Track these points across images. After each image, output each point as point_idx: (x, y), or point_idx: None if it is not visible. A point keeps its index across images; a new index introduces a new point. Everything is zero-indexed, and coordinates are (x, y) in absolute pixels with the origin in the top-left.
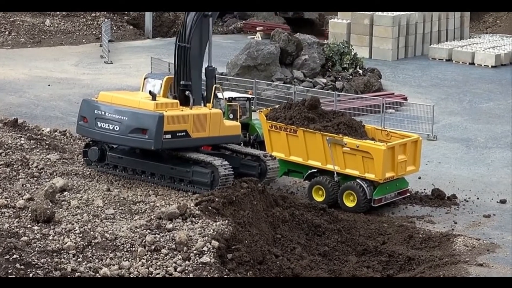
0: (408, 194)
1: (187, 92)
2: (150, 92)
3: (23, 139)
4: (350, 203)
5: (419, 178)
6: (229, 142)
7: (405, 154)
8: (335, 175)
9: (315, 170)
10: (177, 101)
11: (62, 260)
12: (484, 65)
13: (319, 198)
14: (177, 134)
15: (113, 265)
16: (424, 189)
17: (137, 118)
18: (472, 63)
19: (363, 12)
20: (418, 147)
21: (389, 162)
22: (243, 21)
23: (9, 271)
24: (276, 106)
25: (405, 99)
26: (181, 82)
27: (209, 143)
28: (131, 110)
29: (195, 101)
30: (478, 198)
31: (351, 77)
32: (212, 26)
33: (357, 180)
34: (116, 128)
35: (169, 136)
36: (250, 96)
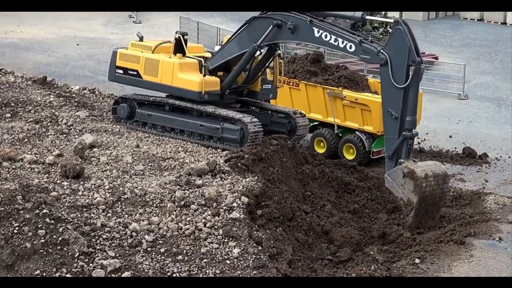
0: None
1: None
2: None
3: (52, 96)
4: (349, 155)
5: (450, 136)
6: (184, 96)
7: None
8: (336, 127)
9: (317, 123)
10: (156, 43)
11: (92, 215)
12: None
13: (320, 149)
14: (129, 72)
15: (143, 220)
16: (455, 148)
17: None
18: (504, 23)
19: None
20: (419, 100)
21: None
22: None
23: (39, 226)
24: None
25: (436, 58)
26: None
27: (162, 90)
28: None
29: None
30: (509, 157)
31: (381, 36)
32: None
33: (356, 132)
34: None
35: (121, 71)
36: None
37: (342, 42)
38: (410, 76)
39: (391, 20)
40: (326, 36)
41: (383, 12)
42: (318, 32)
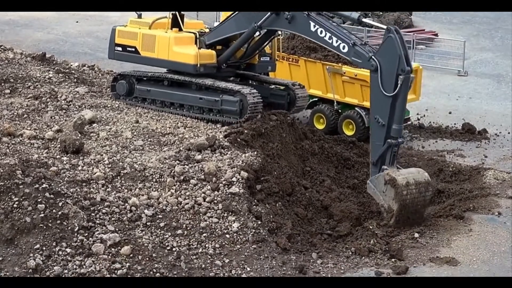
0: (409, 122)
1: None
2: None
3: (51, 72)
4: (349, 131)
5: (450, 112)
6: (180, 69)
7: None
8: (335, 103)
9: (317, 99)
10: (153, 19)
11: (91, 189)
12: None
13: (320, 126)
14: (127, 49)
15: (142, 195)
16: (455, 124)
17: None
18: None
19: None
20: (418, 76)
21: None
22: None
23: (39, 200)
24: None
25: (436, 35)
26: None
27: (159, 65)
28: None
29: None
30: (509, 133)
31: (381, 13)
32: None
33: (356, 108)
34: None
35: (120, 49)
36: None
37: (336, 41)
38: (399, 85)
39: (384, 27)
40: (321, 32)
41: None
42: (314, 26)
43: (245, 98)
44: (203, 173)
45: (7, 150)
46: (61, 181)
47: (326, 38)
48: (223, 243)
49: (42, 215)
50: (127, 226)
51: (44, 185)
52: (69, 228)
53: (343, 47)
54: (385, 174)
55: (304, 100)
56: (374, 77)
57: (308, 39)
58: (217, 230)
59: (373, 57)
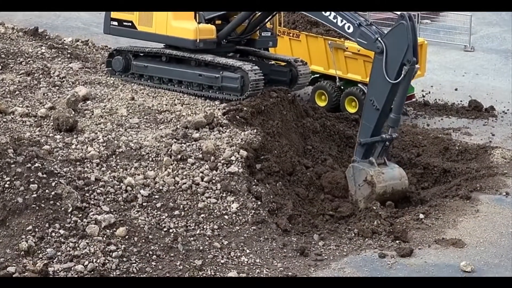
0: (414, 99)
1: None
2: None
3: (44, 48)
4: (352, 108)
5: (456, 89)
6: (179, 44)
7: None
8: (337, 80)
9: (318, 75)
10: None
11: (86, 169)
12: None
13: (321, 102)
14: (123, 24)
15: (138, 174)
16: (461, 101)
17: None
18: None
19: None
20: (424, 51)
21: None
22: None
23: (31, 180)
24: None
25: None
26: None
27: (157, 40)
28: None
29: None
30: None
31: None
32: None
33: (359, 85)
34: None
35: (115, 23)
36: None
37: (341, 21)
38: (402, 75)
39: (398, 12)
40: (326, 11)
41: None
42: None
43: (246, 75)
44: (201, 151)
45: None
46: (54, 160)
47: (331, 17)
48: (222, 224)
49: (35, 195)
50: (122, 206)
51: (36, 164)
52: (63, 208)
53: (348, 27)
54: (369, 174)
55: (306, 77)
56: (378, 59)
57: (313, 18)
58: (215, 211)
59: (379, 39)
